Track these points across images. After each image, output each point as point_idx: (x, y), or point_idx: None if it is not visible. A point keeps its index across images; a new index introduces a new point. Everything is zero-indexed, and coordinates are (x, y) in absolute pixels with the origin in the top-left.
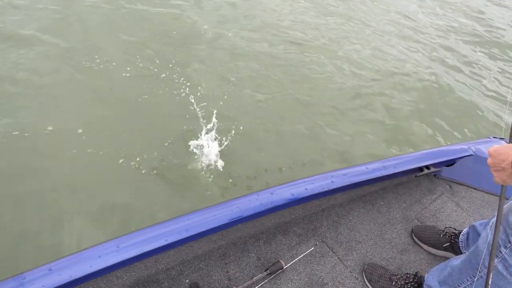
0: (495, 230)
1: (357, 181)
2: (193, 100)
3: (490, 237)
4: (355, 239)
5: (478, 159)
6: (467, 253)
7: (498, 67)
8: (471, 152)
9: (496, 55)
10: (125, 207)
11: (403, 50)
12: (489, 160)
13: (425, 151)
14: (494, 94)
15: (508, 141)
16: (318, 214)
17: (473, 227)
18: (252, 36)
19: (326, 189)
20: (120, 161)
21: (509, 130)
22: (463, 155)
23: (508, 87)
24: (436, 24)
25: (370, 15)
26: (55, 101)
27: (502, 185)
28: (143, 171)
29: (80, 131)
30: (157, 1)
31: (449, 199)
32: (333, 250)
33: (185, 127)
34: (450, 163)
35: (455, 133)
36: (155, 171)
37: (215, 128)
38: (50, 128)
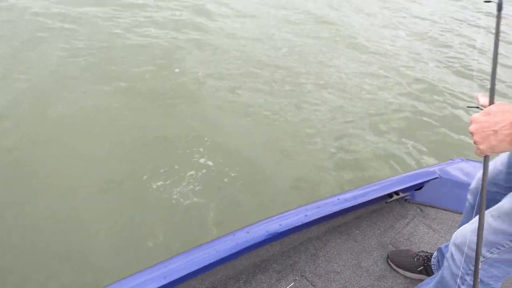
0: (478, 228)
1: (330, 213)
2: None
3: (451, 262)
4: (333, 270)
5: (444, 180)
6: (436, 277)
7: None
8: (437, 175)
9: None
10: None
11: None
12: (474, 126)
13: (393, 178)
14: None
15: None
16: (295, 248)
17: (439, 250)
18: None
19: (301, 223)
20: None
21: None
22: (430, 178)
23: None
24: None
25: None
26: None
27: (485, 157)
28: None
29: None
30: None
31: (420, 222)
32: (313, 284)
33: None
34: (418, 187)
35: (422, 157)
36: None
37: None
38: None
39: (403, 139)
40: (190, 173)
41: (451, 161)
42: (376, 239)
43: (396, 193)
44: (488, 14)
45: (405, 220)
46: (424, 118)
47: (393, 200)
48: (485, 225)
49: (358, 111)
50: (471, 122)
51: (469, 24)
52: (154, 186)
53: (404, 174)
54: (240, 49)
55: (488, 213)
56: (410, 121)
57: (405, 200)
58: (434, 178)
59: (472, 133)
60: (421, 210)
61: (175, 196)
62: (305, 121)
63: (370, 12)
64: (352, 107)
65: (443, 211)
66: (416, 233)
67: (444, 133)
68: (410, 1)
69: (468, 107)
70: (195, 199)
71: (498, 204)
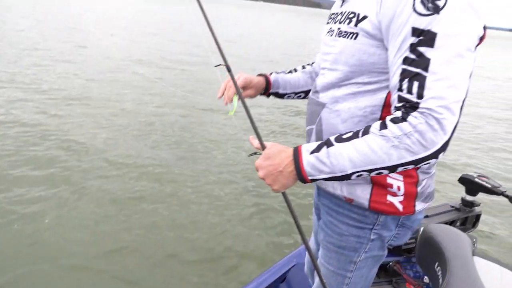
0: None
1: None
2: None
3: None
4: None
5: (302, 265)
6: None
7: None
8: (294, 262)
9: None
10: None
11: None
12: (262, 172)
13: (258, 278)
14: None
15: (262, 151)
16: None
17: None
18: None
19: None
20: None
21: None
22: (290, 267)
23: None
24: None
25: None
26: None
27: (284, 193)
28: None
29: None
30: None
31: None
32: None
33: None
34: (282, 279)
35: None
36: None
37: None
38: None
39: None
40: None
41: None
42: None
43: None
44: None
45: None
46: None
47: None
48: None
49: None
50: (257, 169)
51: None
52: None
53: (267, 270)
54: None
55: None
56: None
57: None
58: (293, 266)
59: (263, 178)
60: None
61: None
62: None
63: None
64: None
65: None
66: None
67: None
68: None
69: (249, 155)
70: None
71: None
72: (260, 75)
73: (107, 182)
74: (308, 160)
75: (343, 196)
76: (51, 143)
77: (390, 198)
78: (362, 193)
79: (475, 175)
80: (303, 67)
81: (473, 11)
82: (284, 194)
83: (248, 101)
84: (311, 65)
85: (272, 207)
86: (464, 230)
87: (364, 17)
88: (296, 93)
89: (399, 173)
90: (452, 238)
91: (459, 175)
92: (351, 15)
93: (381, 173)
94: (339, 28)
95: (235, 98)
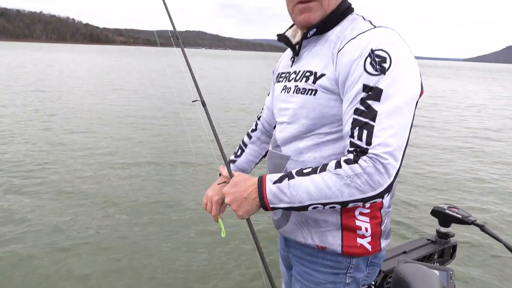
0: None
1: None
2: None
3: None
4: None
5: None
6: None
7: None
8: None
9: None
10: None
11: None
12: (229, 198)
13: None
14: None
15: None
16: None
17: None
18: None
19: None
20: None
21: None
22: None
23: None
24: None
25: None
26: None
27: (248, 220)
28: None
29: None
30: None
31: None
32: None
33: None
34: None
35: None
36: None
37: None
38: None
39: None
40: None
41: None
42: None
43: None
44: None
45: None
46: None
47: None
48: None
49: None
50: (225, 195)
51: None
52: None
53: None
54: None
55: None
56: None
57: None
58: None
59: (229, 204)
60: None
61: None
62: None
63: None
64: None
65: None
66: None
67: None
68: None
69: (218, 184)
70: None
71: None
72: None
73: None
74: (270, 189)
75: (315, 244)
76: None
77: (359, 240)
78: (333, 240)
79: (445, 206)
80: (250, 137)
81: (412, 73)
82: (248, 220)
83: (221, 129)
84: (256, 127)
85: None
86: (443, 263)
87: (322, 75)
88: (257, 163)
89: (366, 215)
90: (421, 277)
91: (431, 207)
92: (308, 74)
93: (334, 207)
94: (296, 86)
95: (220, 221)
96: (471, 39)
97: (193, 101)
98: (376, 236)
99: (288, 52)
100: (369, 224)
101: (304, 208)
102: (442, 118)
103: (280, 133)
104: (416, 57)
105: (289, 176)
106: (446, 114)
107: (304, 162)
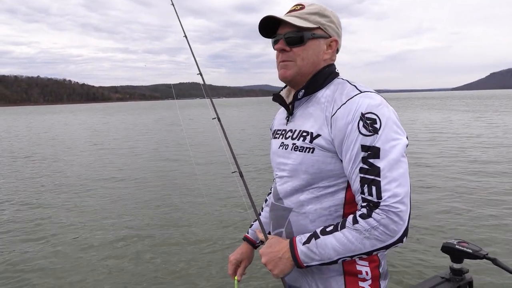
0: None
1: None
2: None
3: None
4: None
5: None
6: None
7: None
8: None
9: None
10: None
11: None
12: (265, 258)
13: None
14: None
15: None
16: None
17: None
18: None
19: None
20: None
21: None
22: None
23: None
24: None
25: None
26: None
27: (283, 279)
28: None
29: None
30: None
31: None
32: None
33: None
34: None
35: None
36: None
37: None
38: None
39: None
40: None
41: None
42: None
43: None
44: None
45: None
46: None
47: None
48: None
49: None
50: (261, 256)
51: None
52: None
53: None
54: None
55: None
56: None
57: None
58: None
59: (265, 264)
60: None
61: None
62: None
63: None
64: None
65: None
66: None
67: None
68: None
69: (255, 245)
70: None
71: None
72: (243, 239)
73: None
74: (301, 250)
75: None
76: None
77: (361, 283)
78: (337, 285)
79: (455, 241)
80: (266, 201)
81: (399, 128)
82: (283, 279)
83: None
84: (271, 188)
85: None
86: None
87: (318, 135)
88: None
89: (365, 259)
90: None
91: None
92: (304, 134)
93: (361, 257)
94: (294, 144)
95: (236, 282)
96: (456, 69)
97: (232, 172)
98: (376, 278)
99: (283, 110)
100: (368, 268)
101: (334, 262)
102: (445, 151)
103: (281, 186)
104: (404, 90)
105: (315, 236)
106: (449, 146)
107: (305, 214)
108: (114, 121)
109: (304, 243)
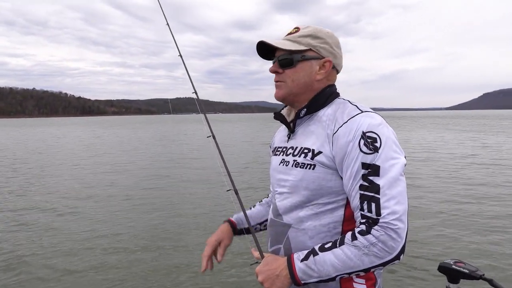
0: None
1: None
2: None
3: None
4: None
5: None
6: None
7: None
8: None
9: None
10: None
11: None
12: (262, 276)
13: None
14: None
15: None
16: None
17: None
18: None
19: None
20: None
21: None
22: None
23: None
24: None
25: None
26: None
27: None
28: None
29: None
30: None
31: None
32: None
33: None
34: None
35: None
36: None
37: None
38: None
39: None
40: None
41: None
42: None
43: None
44: None
45: None
46: None
47: None
48: None
49: None
50: (257, 275)
51: None
52: None
53: None
54: None
55: None
56: None
57: None
58: None
59: (262, 282)
60: None
61: None
62: None
63: None
64: None
65: None
66: None
67: None
68: None
69: (251, 264)
70: None
71: None
72: (224, 221)
73: None
74: (299, 267)
75: None
76: None
77: None
78: None
79: (452, 261)
80: (260, 201)
81: (398, 148)
82: None
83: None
84: (268, 196)
85: None
86: None
87: (319, 152)
88: (260, 223)
89: (362, 277)
90: None
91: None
92: (306, 150)
93: (358, 274)
94: (295, 160)
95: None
96: (450, 88)
97: (227, 190)
98: None
99: (283, 128)
100: (365, 286)
101: (332, 279)
102: (439, 170)
103: (281, 202)
104: (399, 109)
105: (314, 252)
106: (445, 165)
107: (305, 230)
108: (107, 135)
109: (302, 260)
